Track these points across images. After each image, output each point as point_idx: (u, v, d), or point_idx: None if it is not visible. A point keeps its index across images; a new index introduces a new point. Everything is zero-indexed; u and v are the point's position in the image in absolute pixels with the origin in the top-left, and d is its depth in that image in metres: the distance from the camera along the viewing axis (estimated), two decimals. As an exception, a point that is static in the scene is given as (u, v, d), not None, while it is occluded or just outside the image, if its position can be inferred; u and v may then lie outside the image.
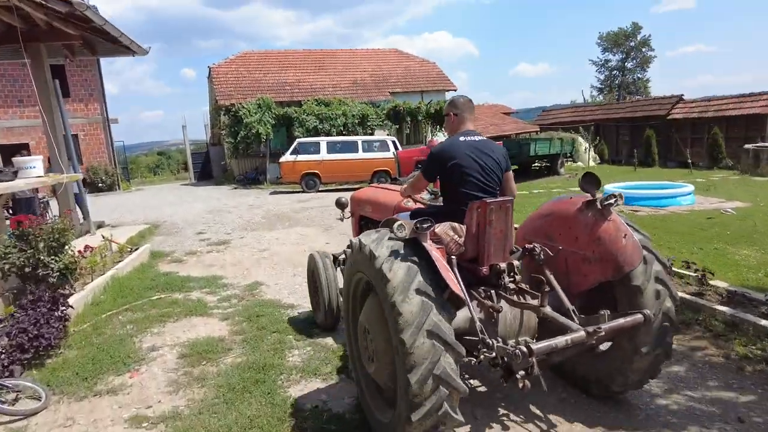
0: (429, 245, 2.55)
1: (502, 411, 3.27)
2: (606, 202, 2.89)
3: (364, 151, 18.20)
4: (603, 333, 2.66)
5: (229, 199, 17.10)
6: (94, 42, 9.83)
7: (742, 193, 12.32)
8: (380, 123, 22.46)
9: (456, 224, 3.04)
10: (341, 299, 3.83)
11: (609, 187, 12.47)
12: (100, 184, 22.09)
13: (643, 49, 51.81)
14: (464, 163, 3.13)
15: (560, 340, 2.57)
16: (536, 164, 19.25)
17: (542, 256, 3.08)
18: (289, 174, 17.94)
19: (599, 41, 53.22)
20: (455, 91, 27.95)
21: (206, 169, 31.66)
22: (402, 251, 2.53)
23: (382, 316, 2.60)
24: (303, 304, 5.59)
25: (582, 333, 2.62)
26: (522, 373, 2.51)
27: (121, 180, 24.32)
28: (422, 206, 3.75)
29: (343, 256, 4.76)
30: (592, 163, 22.26)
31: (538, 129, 31.83)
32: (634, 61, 52.17)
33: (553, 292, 2.95)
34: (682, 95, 21.68)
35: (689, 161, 17.63)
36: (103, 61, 23.29)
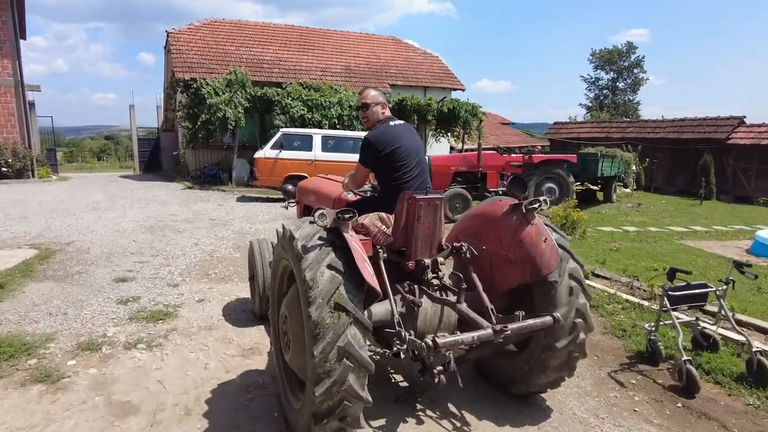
0: (350, 235, 2.51)
1: (419, 406, 3.24)
2: (530, 206, 2.91)
3: (371, 152, 13.62)
4: (509, 332, 2.66)
5: (180, 204, 12.12)
6: None
7: None
8: (384, 118, 17.89)
9: (384, 214, 3.15)
10: None
11: (764, 235, 8.44)
12: (3, 169, 16.47)
13: (635, 71, 49.66)
14: (401, 145, 3.22)
15: (466, 336, 2.57)
16: (579, 186, 15.11)
17: (468, 255, 3.08)
18: (267, 174, 13.13)
19: (591, 58, 50.80)
20: (463, 90, 23.84)
21: (154, 158, 26.25)
22: (321, 236, 2.49)
23: (299, 301, 2.54)
24: None
25: (489, 331, 2.63)
26: (439, 368, 2.59)
27: (41, 165, 18.70)
28: (362, 197, 3.64)
29: None
30: (627, 190, 18.46)
31: (549, 143, 28.29)
32: (626, 81, 49.89)
33: (475, 291, 2.97)
34: (744, 117, 18.31)
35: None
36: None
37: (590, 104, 50.60)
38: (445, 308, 2.94)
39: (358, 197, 3.68)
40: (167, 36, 20.45)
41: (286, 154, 13.17)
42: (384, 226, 3.07)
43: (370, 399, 2.41)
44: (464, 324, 2.90)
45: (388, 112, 3.50)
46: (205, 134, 16.73)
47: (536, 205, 2.90)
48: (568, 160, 11.83)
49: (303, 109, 16.32)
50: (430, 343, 2.44)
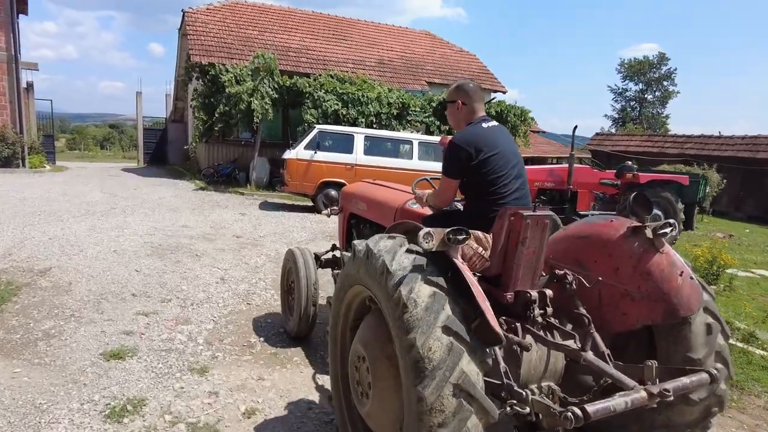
0: (461, 263, 2.02)
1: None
2: (660, 231, 2.28)
3: (422, 158, 11.48)
4: (671, 396, 1.95)
5: (193, 211, 9.95)
6: None
7: None
8: (426, 118, 15.73)
9: (480, 233, 2.41)
10: (316, 305, 3.78)
11: None
12: (-10, 156, 14.37)
13: (665, 83, 47.50)
14: (498, 151, 2.57)
15: (619, 403, 1.85)
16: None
17: (574, 287, 2.44)
18: (299, 179, 10.90)
19: (619, 68, 48.63)
20: (504, 93, 21.69)
21: (161, 151, 24.15)
22: (425, 270, 1.94)
23: (388, 347, 2.08)
24: None
25: (643, 394, 1.91)
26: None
27: (35, 153, 16.57)
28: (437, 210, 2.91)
29: (327, 255, 4.20)
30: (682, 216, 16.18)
31: (590, 155, 26.16)
32: (656, 94, 47.69)
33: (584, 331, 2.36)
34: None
35: None
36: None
37: (617, 115, 48.49)
38: (552, 352, 2.29)
39: (426, 209, 3.05)
40: (183, 16, 18.33)
41: (321, 155, 10.97)
42: (481, 248, 2.38)
43: None
44: (575, 373, 2.36)
45: (483, 111, 2.79)
46: (223, 127, 14.56)
47: (667, 230, 2.27)
48: (678, 181, 9.67)
49: (337, 104, 14.14)
50: (579, 413, 1.72)
